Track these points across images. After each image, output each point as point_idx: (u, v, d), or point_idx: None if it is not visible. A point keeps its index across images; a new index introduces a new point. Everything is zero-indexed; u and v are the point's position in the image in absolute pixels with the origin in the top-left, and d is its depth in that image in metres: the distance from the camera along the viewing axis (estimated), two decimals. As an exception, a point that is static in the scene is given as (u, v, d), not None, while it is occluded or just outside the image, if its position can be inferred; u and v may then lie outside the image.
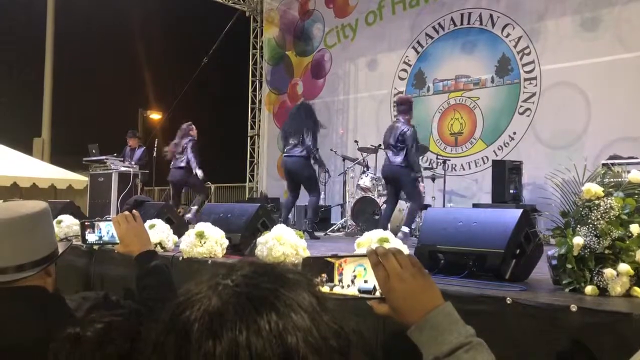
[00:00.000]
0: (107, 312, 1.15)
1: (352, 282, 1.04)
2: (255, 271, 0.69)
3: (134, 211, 1.89)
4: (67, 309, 1.43)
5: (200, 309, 0.63)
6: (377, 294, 1.02)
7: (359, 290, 1.04)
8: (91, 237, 1.97)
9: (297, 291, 0.66)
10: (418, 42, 10.07)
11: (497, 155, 8.77)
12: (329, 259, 1.07)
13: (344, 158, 8.83)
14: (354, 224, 7.37)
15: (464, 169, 9.27)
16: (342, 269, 1.05)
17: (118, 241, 1.85)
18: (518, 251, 2.43)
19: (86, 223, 2.00)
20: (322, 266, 1.07)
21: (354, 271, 1.05)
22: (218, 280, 0.67)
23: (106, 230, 1.94)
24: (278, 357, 0.60)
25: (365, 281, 1.03)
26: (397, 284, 0.98)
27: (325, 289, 1.04)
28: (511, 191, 7.03)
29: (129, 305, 1.50)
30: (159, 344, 0.63)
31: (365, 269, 1.04)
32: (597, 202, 2.06)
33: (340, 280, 1.05)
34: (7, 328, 1.33)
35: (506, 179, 6.98)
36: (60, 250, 1.55)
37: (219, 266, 0.71)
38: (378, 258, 1.01)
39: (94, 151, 8.97)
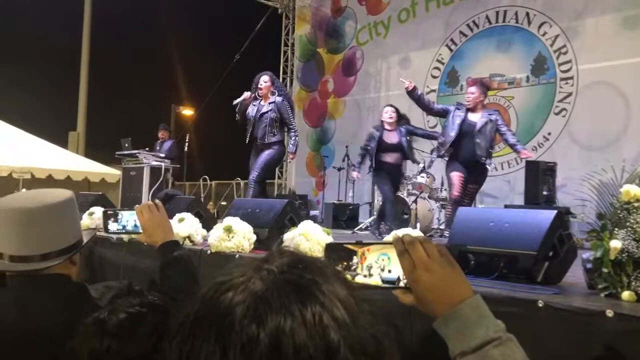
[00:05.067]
0: (134, 301, 1.14)
1: (376, 270, 1.00)
2: (299, 260, 0.67)
3: (156, 201, 1.88)
4: (90, 297, 1.43)
5: (244, 291, 0.62)
6: (402, 284, 0.97)
7: (383, 280, 0.99)
8: (113, 226, 1.93)
9: (338, 288, 0.64)
10: (452, 40, 9.93)
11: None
12: (352, 247, 1.03)
13: (374, 156, 8.75)
14: (382, 222, 7.31)
15: (496, 170, 9.08)
16: (366, 257, 1.01)
17: (141, 231, 1.83)
18: (551, 253, 2.37)
19: (109, 212, 1.96)
20: (344, 253, 1.03)
21: (377, 259, 1.00)
22: (261, 264, 0.66)
23: (129, 219, 1.91)
24: (318, 351, 0.58)
25: (389, 270, 0.99)
26: (423, 274, 0.94)
27: (347, 277, 1.00)
28: (544, 193, 6.85)
29: (154, 297, 1.50)
30: (198, 323, 0.62)
31: (389, 257, 0.99)
32: (636, 204, 1.99)
33: (363, 269, 1.01)
34: (32, 316, 1.34)
35: (540, 180, 6.81)
36: (85, 240, 1.55)
37: (252, 259, 0.69)
38: (404, 246, 0.96)
39: (126, 145, 9.10)
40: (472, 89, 6.16)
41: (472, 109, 6.05)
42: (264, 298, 0.61)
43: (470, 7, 9.61)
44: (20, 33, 20.26)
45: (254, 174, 6.01)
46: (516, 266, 2.36)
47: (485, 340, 0.87)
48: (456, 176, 5.97)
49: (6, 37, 19.19)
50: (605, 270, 2.01)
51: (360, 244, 1.03)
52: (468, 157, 5.93)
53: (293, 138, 6.20)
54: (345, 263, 1.01)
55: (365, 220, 8.24)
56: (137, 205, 1.86)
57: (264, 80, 6.19)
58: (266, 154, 6.03)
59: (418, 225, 6.60)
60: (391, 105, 6.82)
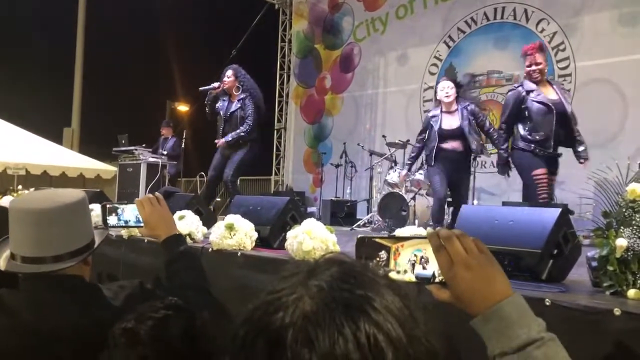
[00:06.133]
0: (157, 304, 1.13)
1: (410, 267, 0.96)
2: (348, 272, 0.64)
3: (156, 194, 1.82)
4: (104, 297, 1.41)
5: (294, 313, 0.59)
6: (437, 280, 0.94)
7: (417, 277, 0.96)
8: (113, 220, 1.83)
9: (391, 301, 0.61)
10: (450, 37, 9.93)
11: (528, 152, 8.60)
12: (386, 242, 0.99)
13: (371, 153, 8.76)
14: (381, 219, 7.31)
15: (494, 167, 9.09)
16: (399, 254, 0.97)
17: (142, 224, 1.76)
18: (556, 251, 2.37)
19: (108, 206, 1.86)
20: (377, 249, 0.99)
21: (412, 255, 0.96)
22: (309, 278, 0.63)
23: (130, 213, 1.82)
24: None
25: (424, 267, 0.96)
26: (462, 271, 0.90)
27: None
28: (543, 190, 6.86)
29: (165, 295, 1.48)
30: (248, 344, 0.60)
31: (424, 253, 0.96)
32: (643, 203, 1.99)
33: (397, 265, 0.97)
34: (45, 317, 1.32)
35: (538, 177, 6.81)
36: (97, 240, 1.53)
37: (298, 263, 0.64)
38: (440, 241, 0.92)
39: (123, 142, 9.07)
40: (540, 57, 4.91)
41: (538, 83, 4.81)
42: (314, 320, 0.58)
43: (468, 4, 9.61)
44: (15, 29, 20.13)
45: (228, 173, 5.68)
46: (520, 264, 2.36)
47: (527, 341, 0.85)
48: (544, 173, 4.85)
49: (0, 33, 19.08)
50: (610, 268, 2.02)
51: (393, 238, 1.00)
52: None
53: (240, 129, 5.72)
54: (377, 259, 0.98)
55: (363, 217, 8.23)
56: (137, 199, 1.79)
57: (228, 75, 5.87)
58: (240, 154, 5.75)
59: (416, 222, 6.60)
60: (448, 79, 5.71)
